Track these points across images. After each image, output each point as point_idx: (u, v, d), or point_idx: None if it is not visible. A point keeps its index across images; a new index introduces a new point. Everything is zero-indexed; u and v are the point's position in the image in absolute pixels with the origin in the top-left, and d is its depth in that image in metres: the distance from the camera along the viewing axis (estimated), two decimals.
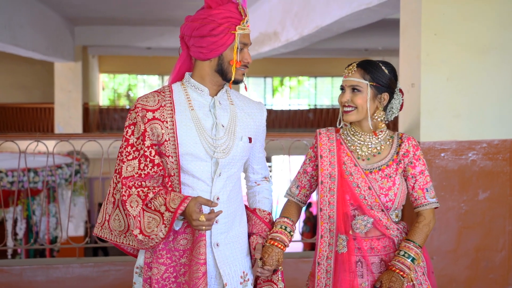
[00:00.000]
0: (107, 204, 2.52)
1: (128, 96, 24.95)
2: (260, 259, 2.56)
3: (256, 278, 2.66)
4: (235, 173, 2.55)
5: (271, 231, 2.65)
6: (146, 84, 25.05)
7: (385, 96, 2.62)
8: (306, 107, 23.57)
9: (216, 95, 2.52)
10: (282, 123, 21.03)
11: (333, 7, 7.18)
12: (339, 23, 7.39)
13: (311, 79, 25.76)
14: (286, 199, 2.84)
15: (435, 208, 2.71)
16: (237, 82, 2.49)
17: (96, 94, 20.74)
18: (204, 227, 2.31)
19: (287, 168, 6.05)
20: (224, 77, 2.48)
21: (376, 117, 2.62)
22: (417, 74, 4.51)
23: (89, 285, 4.85)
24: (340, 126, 2.71)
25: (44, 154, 9.45)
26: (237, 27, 2.43)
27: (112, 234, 2.52)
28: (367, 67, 2.60)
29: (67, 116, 16.82)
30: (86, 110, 17.65)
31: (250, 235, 2.65)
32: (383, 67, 2.61)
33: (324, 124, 20.74)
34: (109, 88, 24.94)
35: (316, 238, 2.68)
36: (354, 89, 2.60)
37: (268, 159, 18.01)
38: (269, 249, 2.56)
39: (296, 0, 9.03)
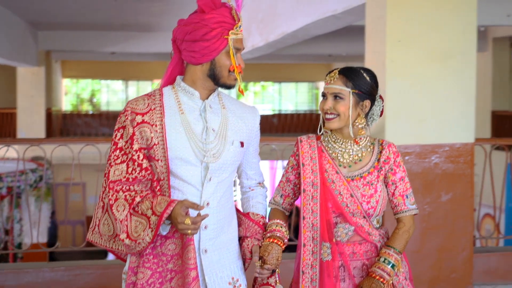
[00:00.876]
0: (97, 208, 2.49)
1: (91, 101, 24.80)
2: (260, 258, 2.50)
3: (253, 283, 2.63)
4: (227, 178, 2.51)
5: (268, 230, 2.60)
6: (109, 89, 24.93)
7: (367, 103, 2.63)
8: (270, 112, 23.74)
9: (207, 98, 2.50)
10: None
11: (299, 14, 7.32)
12: (305, 30, 7.54)
13: (275, 84, 25.96)
14: (269, 209, 2.81)
15: (414, 214, 2.72)
16: (229, 87, 2.46)
17: (59, 99, 20.58)
18: (189, 231, 2.27)
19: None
20: (216, 81, 2.46)
21: (357, 124, 2.63)
22: (382, 80, 4.60)
23: None
24: (320, 133, 2.71)
25: (7, 160, 9.37)
26: (230, 32, 2.41)
27: (102, 238, 2.48)
28: (349, 75, 2.60)
29: (30, 121, 16.66)
30: (49, 115, 17.48)
31: (243, 238, 2.60)
32: (364, 74, 2.62)
33: (288, 129, 20.90)
34: (72, 93, 24.76)
35: (298, 247, 2.65)
36: (337, 96, 2.60)
37: None
38: (268, 247, 2.52)
39: (262, 7, 9.16)
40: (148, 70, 23.55)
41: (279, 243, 2.55)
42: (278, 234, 2.57)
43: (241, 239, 2.61)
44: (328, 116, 2.62)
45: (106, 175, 2.42)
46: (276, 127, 21.64)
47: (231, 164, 2.50)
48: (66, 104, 23.78)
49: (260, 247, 2.55)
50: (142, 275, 2.40)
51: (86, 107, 24.77)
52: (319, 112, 2.72)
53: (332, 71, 2.65)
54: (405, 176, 2.69)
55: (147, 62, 22.71)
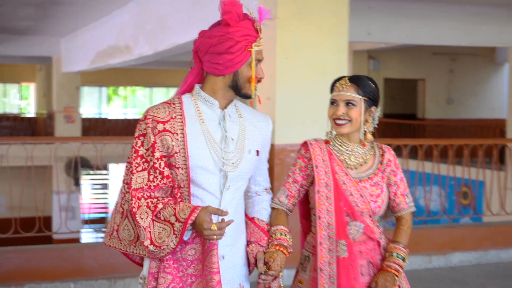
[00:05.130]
0: (115, 214, 2.50)
1: None
2: (265, 264, 2.51)
3: None
4: (242, 186, 2.55)
5: (274, 238, 2.60)
6: None
7: (373, 109, 2.74)
8: (139, 116, 24.10)
9: (225, 108, 2.51)
10: (116, 132, 21.37)
11: (191, 27, 8.08)
12: None
13: (146, 89, 26.41)
14: (272, 209, 2.80)
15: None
16: (249, 97, 2.49)
17: None
18: (215, 237, 2.30)
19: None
20: (238, 92, 2.48)
21: (366, 129, 2.74)
22: (272, 89, 5.60)
23: None
24: (328, 138, 2.79)
25: None
26: (253, 45, 2.44)
27: (121, 243, 2.47)
28: (360, 83, 2.70)
29: None
30: None
31: (248, 243, 2.61)
32: (370, 82, 2.73)
33: None
34: None
35: (315, 246, 2.70)
36: (349, 103, 2.69)
37: (105, 168, 18.39)
38: (274, 254, 2.52)
39: (150, 18, 9.75)
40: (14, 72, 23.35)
41: (284, 251, 2.55)
42: (285, 244, 2.58)
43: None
44: (339, 122, 2.70)
45: (127, 181, 2.43)
46: None
47: (248, 172, 2.54)
48: None
49: (264, 253, 2.56)
50: (163, 280, 2.42)
51: None
52: None
53: (341, 79, 2.76)
54: (403, 177, 2.84)
55: (13, 65, 22.53)
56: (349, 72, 16.21)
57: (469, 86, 18.80)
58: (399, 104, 19.40)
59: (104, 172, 18.96)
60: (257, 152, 2.57)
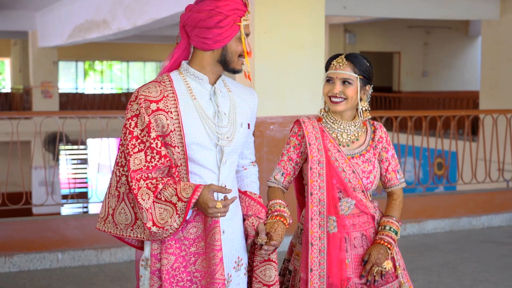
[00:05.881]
0: (109, 198, 2.46)
1: None
2: (266, 234, 2.53)
3: (252, 261, 2.65)
4: (236, 159, 2.56)
5: (274, 209, 2.65)
6: None
7: (368, 87, 2.79)
8: (116, 91, 24.07)
9: (215, 83, 2.50)
10: (94, 106, 21.34)
11: (169, 2, 8.17)
12: (174, 17, 8.37)
13: (122, 63, 26.33)
14: (268, 187, 2.86)
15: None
16: (238, 71, 2.49)
17: None
18: (219, 214, 2.31)
19: (105, 150, 6.57)
20: (226, 67, 2.47)
21: (362, 107, 2.78)
22: (251, 63, 5.75)
23: None
24: (321, 115, 2.83)
25: None
26: (242, 19, 2.43)
27: (117, 228, 2.45)
28: (356, 61, 2.74)
29: None
30: None
31: (245, 217, 2.62)
32: (365, 61, 2.78)
33: None
34: None
35: (305, 221, 2.75)
36: (345, 81, 2.72)
37: (83, 143, 18.39)
38: (275, 225, 2.56)
39: None
40: None
41: (284, 222, 2.60)
42: (285, 215, 2.63)
43: (243, 217, 2.64)
44: (335, 100, 2.73)
45: (122, 164, 2.42)
46: (124, 105, 22.06)
47: (241, 145, 2.55)
48: None
49: (265, 224, 2.58)
50: (166, 261, 2.41)
51: None
52: None
53: (337, 56, 2.78)
54: (395, 153, 2.89)
55: None
56: (326, 46, 16.43)
57: (443, 59, 19.07)
58: (375, 77, 19.56)
59: (83, 147, 18.99)
60: (248, 125, 2.58)
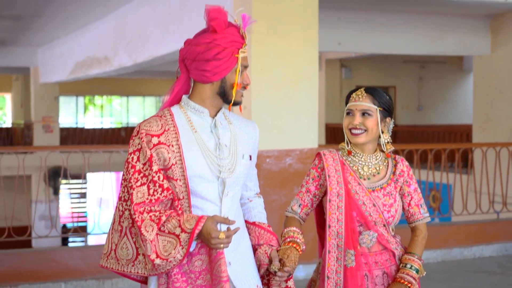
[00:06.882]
0: (112, 233, 2.47)
1: None
2: (280, 261, 2.53)
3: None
4: (238, 191, 2.57)
5: (287, 236, 2.68)
6: None
7: (388, 120, 2.81)
8: (115, 125, 24.21)
9: (215, 116, 2.52)
10: (94, 141, 21.46)
11: (169, 40, 8.42)
12: (174, 54, 8.61)
13: (122, 98, 26.56)
14: (285, 217, 2.87)
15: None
16: (237, 103, 2.50)
17: None
18: (222, 245, 2.31)
19: (107, 184, 6.55)
20: (225, 99, 2.49)
21: (383, 140, 2.80)
22: (248, 99, 5.99)
23: None
24: (342, 148, 2.84)
25: None
26: (239, 51, 2.46)
27: (119, 263, 2.44)
28: (375, 93, 2.76)
29: None
30: None
31: (256, 246, 2.63)
32: (384, 94, 2.80)
33: None
34: None
35: (324, 254, 2.74)
36: (365, 113, 2.74)
37: (84, 177, 18.47)
38: (287, 251, 2.56)
39: (129, 30, 10.07)
40: None
41: (297, 248, 2.61)
42: (298, 240, 2.65)
43: (253, 247, 2.64)
44: (355, 132, 2.75)
45: (125, 198, 2.43)
46: (123, 139, 22.17)
47: (243, 177, 2.56)
48: None
49: (277, 251, 2.58)
50: None
51: None
52: None
53: (358, 90, 2.81)
54: (417, 187, 2.86)
55: None
56: (322, 80, 16.63)
57: (438, 93, 19.37)
58: None
59: (82, 181, 19.10)
60: (250, 156, 2.59)
